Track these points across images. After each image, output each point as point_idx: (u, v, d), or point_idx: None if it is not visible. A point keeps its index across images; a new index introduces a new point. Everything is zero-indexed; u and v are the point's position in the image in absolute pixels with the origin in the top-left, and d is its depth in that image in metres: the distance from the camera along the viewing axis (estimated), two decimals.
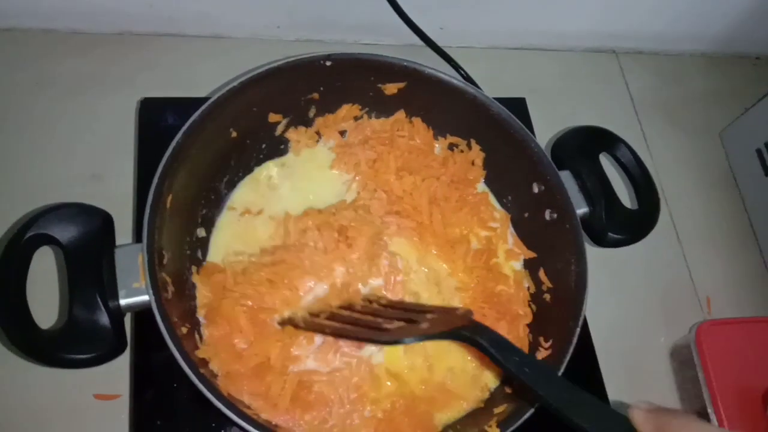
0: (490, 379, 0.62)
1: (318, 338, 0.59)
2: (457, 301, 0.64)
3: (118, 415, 0.61)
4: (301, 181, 0.70)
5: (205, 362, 0.54)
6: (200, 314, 0.59)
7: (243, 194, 0.68)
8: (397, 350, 0.61)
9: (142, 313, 0.58)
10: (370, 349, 0.60)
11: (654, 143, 0.95)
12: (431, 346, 0.62)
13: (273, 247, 0.63)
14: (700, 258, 0.88)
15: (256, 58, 0.74)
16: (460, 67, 0.89)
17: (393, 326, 0.54)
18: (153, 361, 0.60)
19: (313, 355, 0.59)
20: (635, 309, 0.82)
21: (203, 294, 0.60)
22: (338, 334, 0.56)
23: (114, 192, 0.69)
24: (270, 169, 0.70)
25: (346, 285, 0.62)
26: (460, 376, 0.61)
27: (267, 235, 0.65)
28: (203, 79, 0.78)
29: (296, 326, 0.58)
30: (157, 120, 0.71)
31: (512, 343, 0.50)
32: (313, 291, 0.62)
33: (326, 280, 0.62)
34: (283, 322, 0.59)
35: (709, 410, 0.70)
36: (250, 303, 0.58)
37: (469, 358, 0.62)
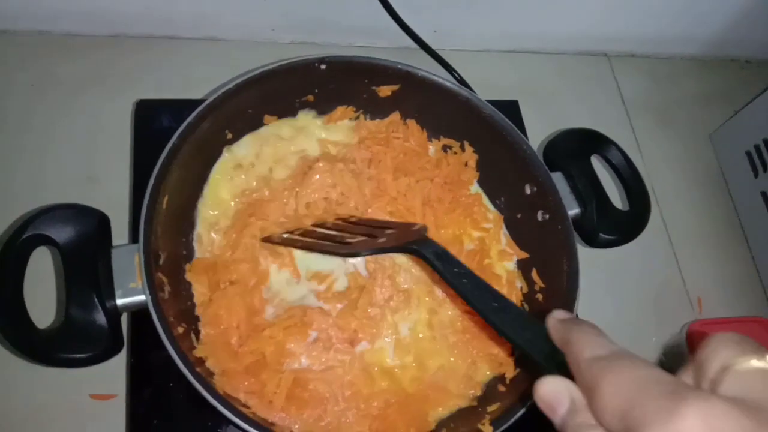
0: (482, 377, 0.63)
1: (312, 333, 0.60)
2: (448, 303, 0.65)
3: (114, 415, 0.61)
4: None
5: (201, 361, 0.55)
6: (199, 312, 0.59)
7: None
8: (384, 349, 0.62)
9: (138, 313, 0.59)
10: (362, 346, 0.61)
11: (645, 145, 0.96)
12: (417, 344, 0.62)
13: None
14: (691, 258, 0.89)
15: (250, 60, 0.74)
16: (454, 70, 0.90)
17: (354, 240, 0.58)
18: (149, 361, 0.60)
19: (307, 352, 0.59)
20: (627, 309, 0.83)
21: (200, 292, 0.60)
22: (307, 248, 0.61)
23: (110, 193, 0.69)
24: None
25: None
26: (451, 374, 0.61)
27: None
28: (198, 81, 0.78)
29: (273, 242, 0.62)
30: (153, 122, 0.72)
31: (454, 257, 0.52)
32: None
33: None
34: (264, 239, 0.63)
35: None
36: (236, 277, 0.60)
37: (455, 353, 0.63)
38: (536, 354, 0.39)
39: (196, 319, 0.59)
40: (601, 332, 0.34)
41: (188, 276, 0.60)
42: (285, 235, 0.62)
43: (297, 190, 0.65)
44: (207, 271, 0.60)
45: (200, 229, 0.63)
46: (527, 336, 0.40)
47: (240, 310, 0.58)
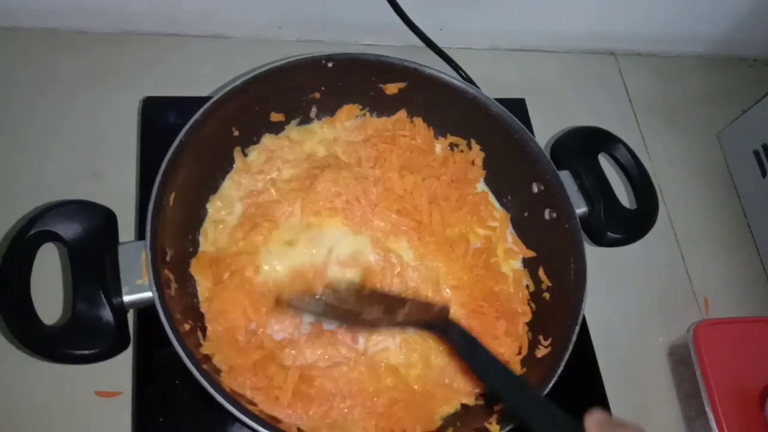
0: None
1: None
2: (455, 300, 0.64)
3: (120, 412, 0.61)
4: None
5: (208, 358, 0.55)
6: (203, 308, 0.59)
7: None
8: (390, 348, 0.62)
9: (144, 310, 0.59)
10: (366, 344, 0.61)
11: (652, 144, 0.96)
12: (423, 342, 0.62)
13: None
14: (698, 258, 0.88)
15: (257, 57, 0.74)
16: (460, 68, 0.89)
17: (371, 316, 0.57)
18: (155, 358, 0.60)
19: (310, 348, 0.59)
20: (633, 309, 0.82)
21: (204, 287, 0.60)
22: (322, 315, 0.60)
23: (116, 190, 0.69)
24: None
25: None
26: (456, 372, 0.61)
27: None
28: (205, 78, 0.78)
29: (284, 305, 0.60)
30: (159, 119, 0.72)
31: (480, 342, 0.52)
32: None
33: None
34: (276, 301, 0.61)
35: (707, 409, 0.71)
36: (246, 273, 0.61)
37: None
38: None
39: (202, 315, 0.59)
40: None
41: (192, 270, 0.60)
42: (297, 298, 0.61)
43: (302, 198, 0.65)
44: (211, 265, 0.60)
45: (207, 225, 0.63)
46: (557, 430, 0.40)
47: (243, 299, 0.58)
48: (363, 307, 0.59)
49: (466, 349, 0.51)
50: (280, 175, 0.67)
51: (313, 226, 0.65)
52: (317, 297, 0.61)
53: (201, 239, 0.63)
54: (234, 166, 0.67)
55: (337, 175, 0.66)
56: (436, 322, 0.55)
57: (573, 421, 0.38)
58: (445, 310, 0.58)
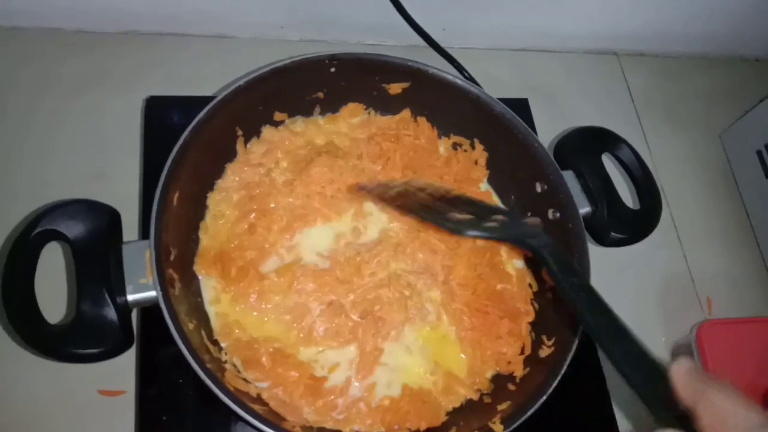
0: (489, 372, 0.63)
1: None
2: (459, 298, 0.64)
3: (122, 411, 0.61)
4: None
5: (212, 356, 0.55)
6: (209, 309, 0.60)
7: None
8: (404, 352, 0.62)
9: (148, 310, 0.59)
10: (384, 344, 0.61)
11: (654, 144, 0.96)
12: (433, 347, 0.63)
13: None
14: (701, 258, 0.88)
15: (259, 57, 0.74)
16: (463, 68, 0.89)
17: (462, 216, 0.55)
18: (158, 357, 0.60)
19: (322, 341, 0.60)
20: (636, 309, 0.82)
21: (210, 286, 0.60)
22: (408, 210, 0.59)
23: (119, 190, 0.69)
24: None
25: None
26: (460, 368, 0.62)
27: None
28: (208, 78, 0.78)
29: (368, 193, 0.62)
30: (163, 118, 0.72)
31: (573, 264, 0.51)
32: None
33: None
34: (359, 188, 0.63)
35: None
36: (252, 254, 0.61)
37: (464, 348, 0.63)
38: (650, 399, 0.36)
39: (206, 314, 0.59)
40: (747, 401, 0.32)
41: (197, 267, 0.60)
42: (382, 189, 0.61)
43: (295, 182, 0.66)
44: (216, 262, 0.60)
45: (207, 220, 0.64)
46: (642, 374, 0.38)
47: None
48: (451, 207, 0.56)
49: (559, 271, 0.49)
50: (278, 166, 0.67)
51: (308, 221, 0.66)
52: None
53: (201, 234, 0.63)
54: (236, 158, 0.67)
55: (333, 162, 0.66)
56: (532, 238, 0.52)
57: (660, 367, 0.36)
58: (539, 225, 0.58)
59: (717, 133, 1.00)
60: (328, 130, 0.70)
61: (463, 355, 0.62)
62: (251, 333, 0.59)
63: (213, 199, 0.65)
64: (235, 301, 0.60)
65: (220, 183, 0.65)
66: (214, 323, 0.59)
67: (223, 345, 0.58)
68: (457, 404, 0.60)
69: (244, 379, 0.56)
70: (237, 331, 0.58)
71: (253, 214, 0.63)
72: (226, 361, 0.57)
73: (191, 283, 0.60)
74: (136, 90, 0.77)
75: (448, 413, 0.60)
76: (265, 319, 0.60)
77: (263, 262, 0.62)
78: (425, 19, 0.86)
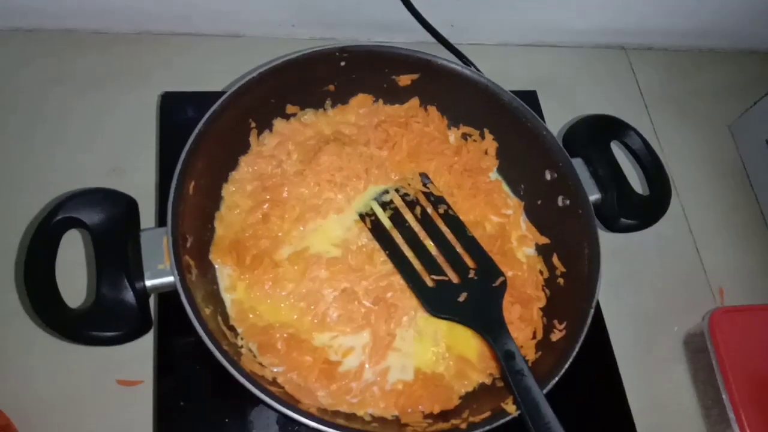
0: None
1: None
2: None
3: (140, 400, 0.63)
4: None
5: (228, 341, 0.56)
6: (224, 295, 0.61)
7: None
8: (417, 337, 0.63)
9: (165, 298, 0.61)
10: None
11: (664, 137, 0.96)
12: (445, 333, 0.63)
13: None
14: (713, 249, 0.88)
15: (270, 55, 0.75)
16: (472, 64, 0.90)
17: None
18: (176, 343, 0.61)
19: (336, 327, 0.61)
20: (649, 299, 0.82)
21: (226, 273, 0.61)
22: (393, 259, 0.64)
23: (136, 181, 0.71)
24: None
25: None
26: (472, 352, 0.63)
27: None
28: (220, 75, 0.80)
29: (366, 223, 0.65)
30: (178, 112, 0.73)
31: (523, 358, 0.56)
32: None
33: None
34: (361, 216, 0.66)
35: (723, 396, 0.71)
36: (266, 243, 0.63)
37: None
38: None
39: (222, 301, 0.60)
40: None
41: (212, 256, 0.61)
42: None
43: (305, 171, 0.67)
44: (231, 250, 0.61)
45: (222, 210, 0.65)
46: None
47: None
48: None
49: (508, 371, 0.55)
50: (289, 158, 0.68)
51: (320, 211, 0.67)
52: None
53: (216, 224, 0.64)
54: (249, 150, 0.68)
55: (341, 149, 0.67)
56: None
57: None
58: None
59: (726, 125, 1.00)
60: (337, 120, 0.71)
61: (473, 340, 0.63)
62: (267, 319, 0.60)
63: (227, 190, 0.66)
64: (250, 288, 0.61)
65: (234, 174, 0.67)
66: (230, 309, 0.60)
67: (239, 330, 0.59)
68: (470, 388, 0.61)
69: (260, 364, 0.57)
70: (252, 316, 0.59)
71: (267, 204, 0.65)
72: (242, 346, 0.58)
73: (207, 271, 0.61)
74: (151, 87, 0.79)
75: (461, 397, 0.60)
76: (281, 305, 0.61)
77: (277, 251, 0.63)
78: (434, 15, 0.87)
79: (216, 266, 0.62)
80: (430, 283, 0.62)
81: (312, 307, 0.61)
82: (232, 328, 0.59)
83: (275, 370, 0.57)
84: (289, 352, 0.58)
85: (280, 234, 0.64)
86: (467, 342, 0.63)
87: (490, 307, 0.61)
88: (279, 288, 0.61)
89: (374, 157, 0.69)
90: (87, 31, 0.84)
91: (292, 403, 0.52)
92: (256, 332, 0.59)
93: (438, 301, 0.61)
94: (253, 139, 0.68)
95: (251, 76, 0.63)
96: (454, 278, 0.63)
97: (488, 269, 0.64)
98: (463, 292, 0.62)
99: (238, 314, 0.60)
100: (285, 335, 0.58)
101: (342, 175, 0.67)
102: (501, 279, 0.63)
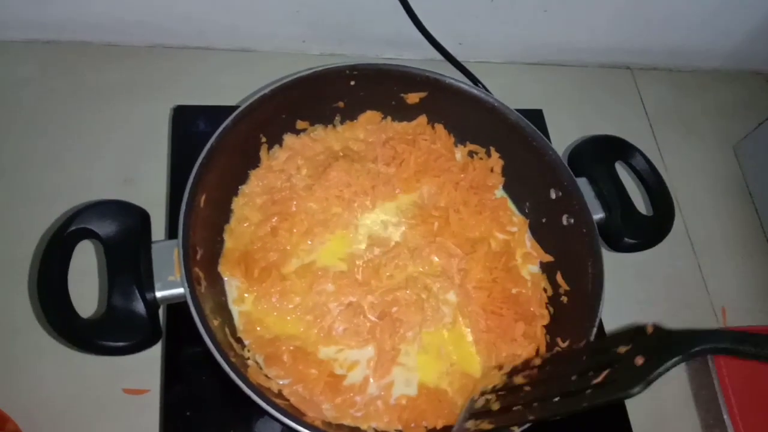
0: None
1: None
2: (474, 301, 0.66)
3: (146, 409, 0.63)
4: None
5: (235, 353, 0.57)
6: (233, 307, 0.62)
7: None
8: (421, 352, 0.63)
9: (174, 309, 0.61)
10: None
11: (668, 157, 0.97)
12: (449, 348, 0.64)
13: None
14: (715, 269, 0.89)
15: (282, 70, 0.76)
16: (479, 81, 0.91)
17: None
18: (183, 355, 0.62)
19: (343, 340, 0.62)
20: (651, 317, 0.82)
21: (234, 286, 0.62)
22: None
23: (147, 193, 0.72)
24: None
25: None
26: (476, 368, 0.64)
27: None
28: (231, 89, 0.81)
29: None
30: (190, 126, 0.75)
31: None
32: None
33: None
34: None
35: (725, 416, 0.71)
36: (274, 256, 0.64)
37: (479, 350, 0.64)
38: None
39: (230, 313, 0.61)
40: None
41: (221, 268, 0.62)
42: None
43: (314, 186, 0.68)
44: (240, 263, 0.62)
45: (232, 223, 0.66)
46: None
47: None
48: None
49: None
50: (298, 172, 0.69)
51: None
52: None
53: (226, 236, 0.65)
54: (259, 164, 0.69)
55: (349, 166, 0.69)
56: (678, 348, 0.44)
57: None
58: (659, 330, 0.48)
59: (731, 146, 1.01)
60: (346, 137, 0.73)
61: (477, 357, 0.63)
62: (274, 331, 0.61)
63: (237, 204, 0.67)
64: (258, 300, 0.62)
65: (244, 188, 0.68)
66: (238, 321, 0.61)
67: (246, 342, 0.60)
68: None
69: (266, 376, 0.58)
70: (259, 328, 0.60)
71: (276, 218, 0.66)
72: (249, 358, 0.58)
73: (216, 283, 0.62)
74: (163, 100, 0.81)
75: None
76: (287, 318, 0.62)
77: (285, 264, 0.64)
78: (442, 33, 0.89)
79: (225, 279, 0.63)
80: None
81: (318, 320, 0.62)
82: (239, 340, 0.60)
83: (281, 382, 0.58)
84: (295, 364, 0.58)
85: (288, 247, 0.65)
86: (471, 358, 0.64)
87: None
88: (286, 301, 0.62)
89: (381, 174, 0.70)
90: (102, 43, 0.86)
91: (298, 416, 0.53)
92: (263, 344, 0.59)
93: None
94: (263, 153, 0.69)
95: (263, 92, 0.64)
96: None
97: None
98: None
99: (246, 326, 0.61)
100: (291, 348, 0.59)
101: (350, 191, 0.68)
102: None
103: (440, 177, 0.71)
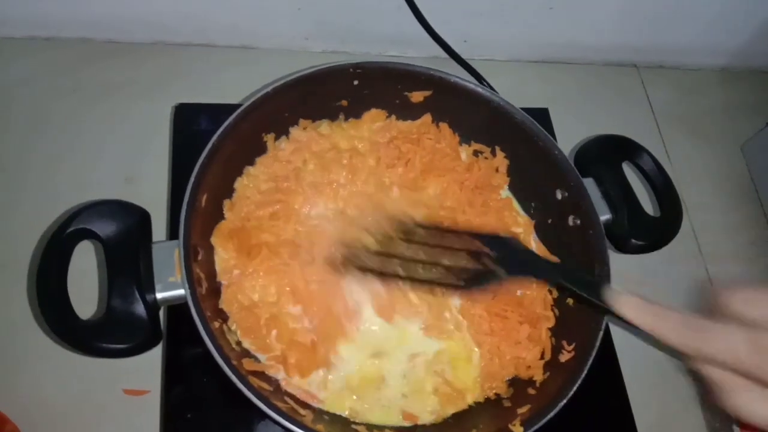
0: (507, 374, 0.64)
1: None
2: (479, 303, 0.65)
3: (147, 410, 0.63)
4: None
5: (238, 355, 0.56)
6: (223, 278, 0.62)
7: None
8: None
9: (174, 310, 0.61)
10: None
11: (675, 156, 0.96)
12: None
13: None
14: (722, 270, 0.88)
15: (284, 68, 0.75)
16: (483, 79, 0.91)
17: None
18: (184, 356, 0.61)
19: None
20: None
21: (223, 258, 0.62)
22: (410, 279, 0.55)
23: (148, 193, 0.71)
24: None
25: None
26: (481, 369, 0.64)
27: None
28: (234, 87, 0.80)
29: (360, 269, 0.55)
30: (192, 124, 0.74)
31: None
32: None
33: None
34: (344, 263, 0.57)
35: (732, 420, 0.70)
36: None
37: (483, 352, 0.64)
38: None
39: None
40: None
41: (213, 240, 0.62)
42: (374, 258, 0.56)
43: (317, 183, 0.67)
44: (233, 237, 0.62)
45: (234, 199, 0.65)
46: None
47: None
48: (439, 255, 0.54)
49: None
50: (305, 166, 0.68)
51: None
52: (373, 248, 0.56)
53: (225, 210, 0.64)
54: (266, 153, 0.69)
55: (354, 165, 0.68)
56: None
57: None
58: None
59: (738, 145, 1.00)
60: (351, 134, 0.72)
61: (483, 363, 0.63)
62: (251, 296, 0.61)
63: (241, 183, 0.66)
64: (244, 276, 0.62)
65: (249, 169, 0.67)
66: (224, 294, 0.61)
67: (228, 313, 0.60)
68: (481, 399, 0.62)
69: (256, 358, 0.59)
70: (240, 296, 0.60)
71: (278, 205, 0.65)
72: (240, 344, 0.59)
73: (217, 285, 0.61)
74: (164, 98, 0.80)
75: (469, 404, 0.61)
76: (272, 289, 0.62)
77: (278, 248, 0.64)
78: (447, 31, 0.88)
79: (215, 258, 0.62)
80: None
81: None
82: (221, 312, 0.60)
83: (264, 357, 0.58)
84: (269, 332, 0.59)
85: (284, 236, 0.64)
86: (469, 371, 0.63)
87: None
88: (273, 275, 0.62)
89: (386, 172, 0.70)
90: (103, 40, 0.85)
91: (298, 419, 0.52)
92: (243, 316, 0.60)
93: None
94: (270, 142, 0.68)
95: (265, 91, 0.63)
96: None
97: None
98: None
99: (228, 296, 0.61)
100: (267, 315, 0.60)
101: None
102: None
103: (445, 176, 0.70)
